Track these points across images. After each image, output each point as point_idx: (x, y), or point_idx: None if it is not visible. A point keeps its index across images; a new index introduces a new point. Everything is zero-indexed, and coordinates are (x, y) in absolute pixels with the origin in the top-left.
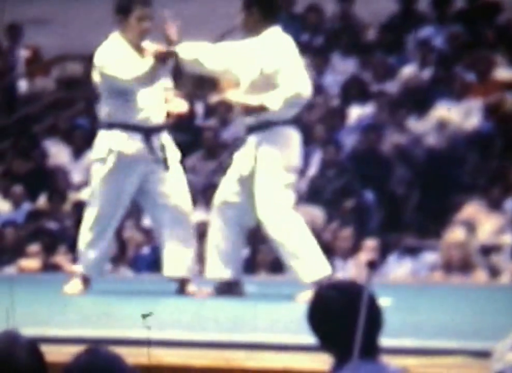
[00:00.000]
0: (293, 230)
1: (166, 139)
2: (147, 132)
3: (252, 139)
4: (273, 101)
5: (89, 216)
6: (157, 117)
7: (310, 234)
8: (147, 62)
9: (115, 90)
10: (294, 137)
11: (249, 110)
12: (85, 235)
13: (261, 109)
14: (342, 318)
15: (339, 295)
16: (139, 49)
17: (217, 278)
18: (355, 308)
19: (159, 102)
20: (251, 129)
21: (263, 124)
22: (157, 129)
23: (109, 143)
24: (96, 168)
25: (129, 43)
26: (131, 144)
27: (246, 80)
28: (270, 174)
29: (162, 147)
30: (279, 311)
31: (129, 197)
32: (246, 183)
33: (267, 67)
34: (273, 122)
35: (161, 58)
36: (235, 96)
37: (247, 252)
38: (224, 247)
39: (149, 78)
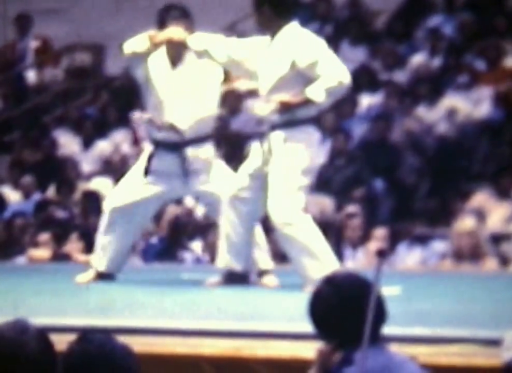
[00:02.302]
0: (303, 228)
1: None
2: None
3: (275, 136)
4: (317, 93)
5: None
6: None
7: (319, 232)
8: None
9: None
10: (315, 136)
11: (291, 107)
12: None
13: (307, 103)
14: (339, 311)
15: (334, 289)
16: (174, 63)
17: (227, 269)
18: (352, 301)
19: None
20: (275, 127)
21: (289, 121)
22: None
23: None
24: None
25: (168, 57)
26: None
27: (273, 77)
28: (287, 174)
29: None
30: (289, 299)
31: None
32: (261, 177)
33: (301, 60)
34: (298, 120)
35: (172, 44)
36: (245, 85)
37: None
38: (235, 239)
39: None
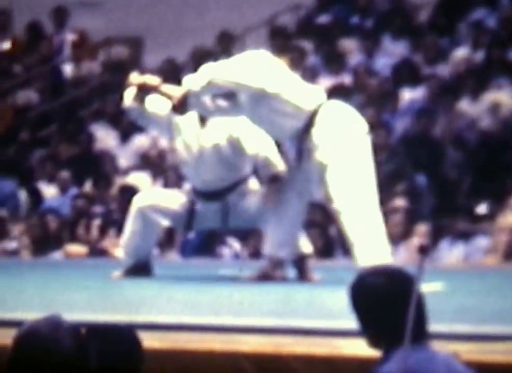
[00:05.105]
0: (362, 211)
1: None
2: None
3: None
4: None
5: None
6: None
7: (380, 218)
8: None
9: None
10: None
11: None
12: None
13: None
14: (386, 304)
15: (382, 281)
16: None
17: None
18: (399, 294)
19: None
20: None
21: None
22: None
23: None
24: None
25: None
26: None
27: None
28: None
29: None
30: (328, 296)
31: None
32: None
33: None
34: None
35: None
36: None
37: None
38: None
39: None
